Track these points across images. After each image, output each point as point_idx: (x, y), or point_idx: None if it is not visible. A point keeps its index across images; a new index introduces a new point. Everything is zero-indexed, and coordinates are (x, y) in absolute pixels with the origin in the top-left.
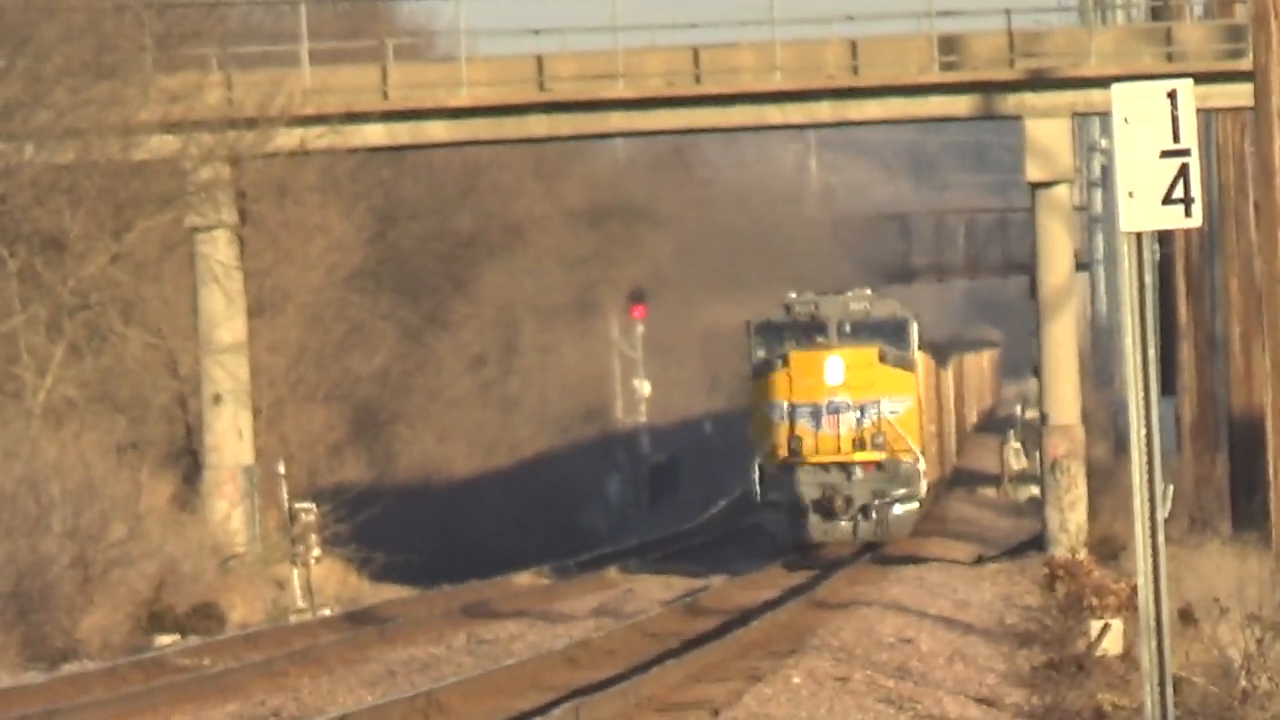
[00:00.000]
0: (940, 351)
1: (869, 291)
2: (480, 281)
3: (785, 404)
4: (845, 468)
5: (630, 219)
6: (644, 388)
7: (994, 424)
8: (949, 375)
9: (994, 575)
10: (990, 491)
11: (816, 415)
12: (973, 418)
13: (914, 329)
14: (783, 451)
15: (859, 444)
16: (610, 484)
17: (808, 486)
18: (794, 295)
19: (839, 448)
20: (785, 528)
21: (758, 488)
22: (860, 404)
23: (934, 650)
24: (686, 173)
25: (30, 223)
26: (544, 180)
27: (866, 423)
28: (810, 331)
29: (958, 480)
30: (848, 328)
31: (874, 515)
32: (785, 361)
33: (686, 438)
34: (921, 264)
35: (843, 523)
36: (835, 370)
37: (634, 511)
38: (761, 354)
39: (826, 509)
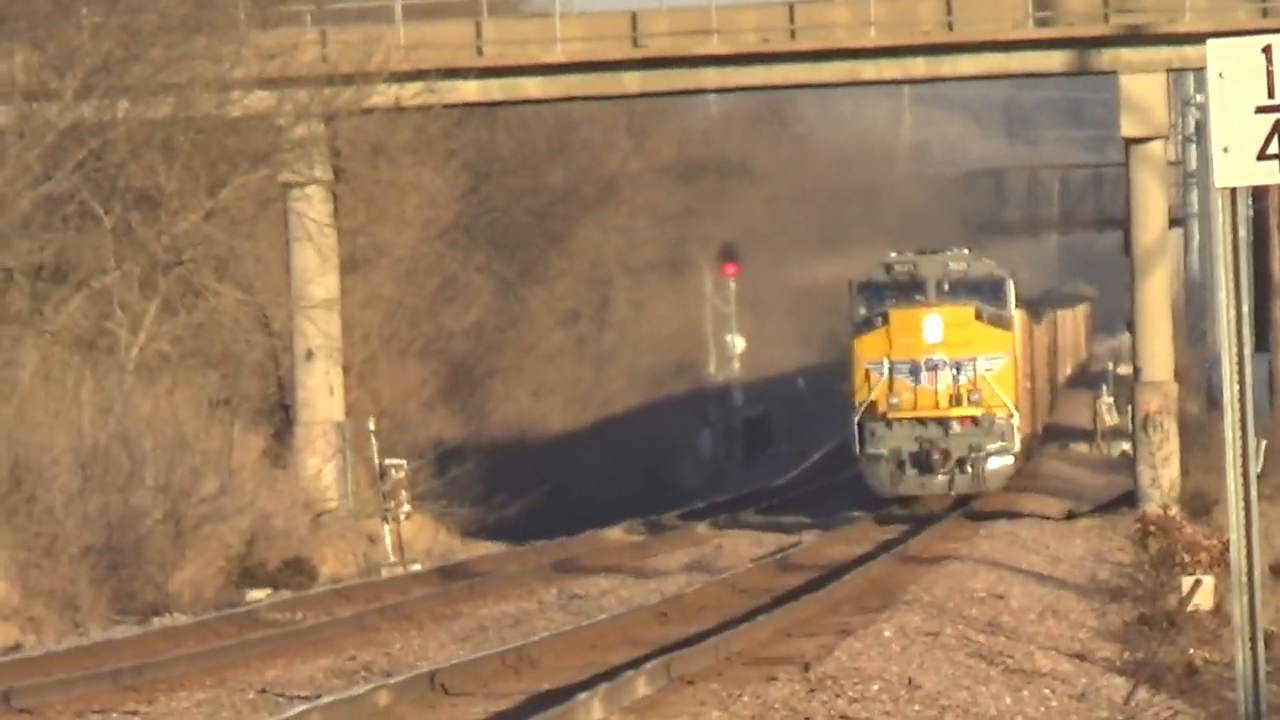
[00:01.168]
0: (1035, 307)
1: (967, 251)
2: (573, 237)
3: (885, 360)
4: (942, 422)
5: (723, 175)
6: (737, 343)
7: (1087, 379)
8: (1043, 331)
9: (1086, 531)
10: (1083, 447)
11: (915, 371)
12: (1066, 372)
13: (1010, 288)
14: (881, 406)
15: (955, 400)
16: (702, 438)
17: (905, 440)
18: (894, 255)
19: (936, 403)
20: (883, 481)
21: (856, 441)
22: (957, 361)
23: (1025, 605)
24: (781, 128)
25: (125, 179)
26: (637, 136)
27: (963, 379)
28: (910, 290)
29: (1050, 435)
30: (946, 286)
31: (970, 469)
32: (885, 319)
33: (779, 393)
34: (1015, 220)
35: (939, 476)
36: (933, 328)
37: (727, 465)
38: (862, 311)
39: (924, 462)
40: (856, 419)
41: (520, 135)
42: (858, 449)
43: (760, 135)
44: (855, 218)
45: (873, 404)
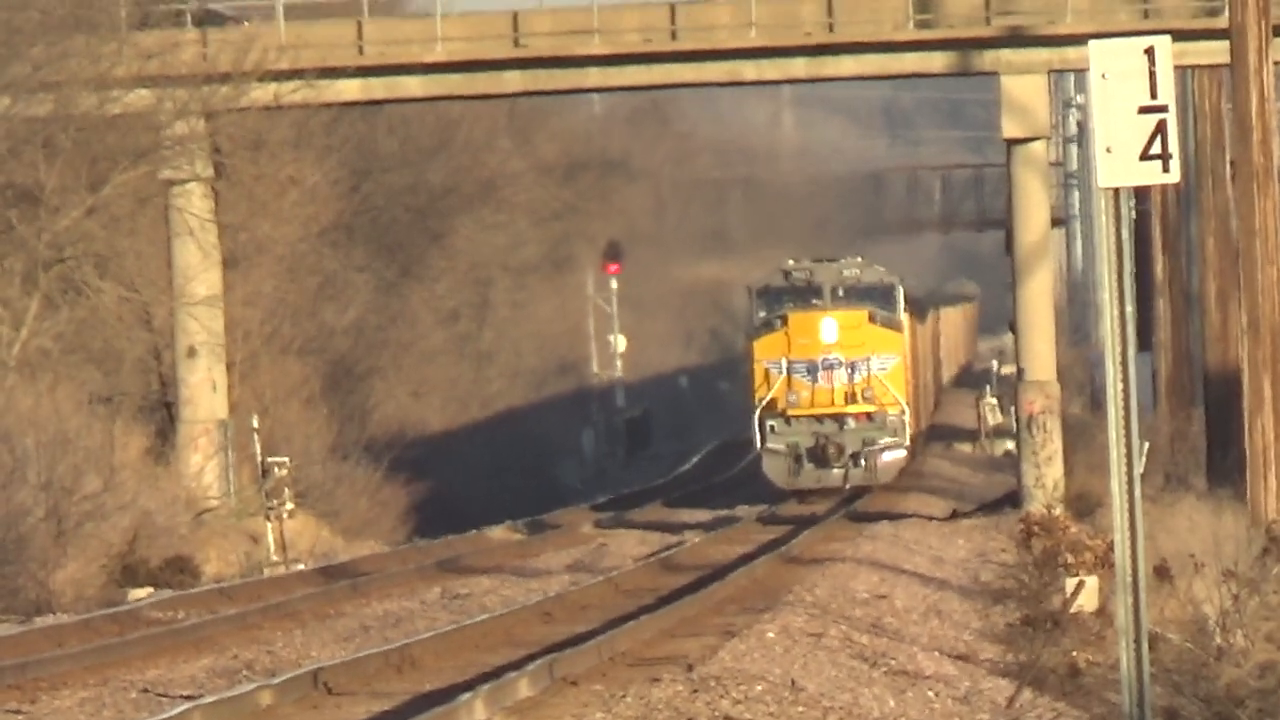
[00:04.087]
0: (919, 307)
1: (859, 259)
2: (455, 235)
3: (784, 360)
4: (838, 418)
5: (606, 172)
6: (619, 343)
7: (971, 379)
8: (927, 330)
9: (969, 531)
10: (966, 447)
11: (812, 371)
12: (951, 372)
13: (900, 293)
14: (781, 404)
15: (850, 397)
16: (584, 438)
17: (803, 436)
18: (791, 262)
19: (832, 400)
20: (781, 474)
21: (757, 437)
22: (852, 361)
23: (909, 606)
24: (663, 125)
25: (5, 175)
26: (519, 135)
27: (858, 378)
28: (807, 295)
29: (935, 435)
30: (841, 292)
31: (864, 462)
32: (784, 322)
33: (661, 392)
34: (895, 220)
35: (835, 469)
36: (830, 330)
37: (609, 465)
38: (761, 314)
39: (820, 456)
40: (756, 416)
41: (401, 133)
42: (758, 444)
43: (643, 132)
44: (736, 218)
45: (772, 401)
